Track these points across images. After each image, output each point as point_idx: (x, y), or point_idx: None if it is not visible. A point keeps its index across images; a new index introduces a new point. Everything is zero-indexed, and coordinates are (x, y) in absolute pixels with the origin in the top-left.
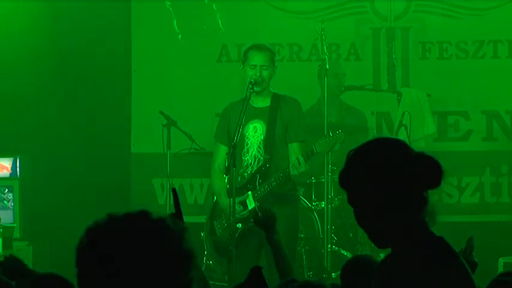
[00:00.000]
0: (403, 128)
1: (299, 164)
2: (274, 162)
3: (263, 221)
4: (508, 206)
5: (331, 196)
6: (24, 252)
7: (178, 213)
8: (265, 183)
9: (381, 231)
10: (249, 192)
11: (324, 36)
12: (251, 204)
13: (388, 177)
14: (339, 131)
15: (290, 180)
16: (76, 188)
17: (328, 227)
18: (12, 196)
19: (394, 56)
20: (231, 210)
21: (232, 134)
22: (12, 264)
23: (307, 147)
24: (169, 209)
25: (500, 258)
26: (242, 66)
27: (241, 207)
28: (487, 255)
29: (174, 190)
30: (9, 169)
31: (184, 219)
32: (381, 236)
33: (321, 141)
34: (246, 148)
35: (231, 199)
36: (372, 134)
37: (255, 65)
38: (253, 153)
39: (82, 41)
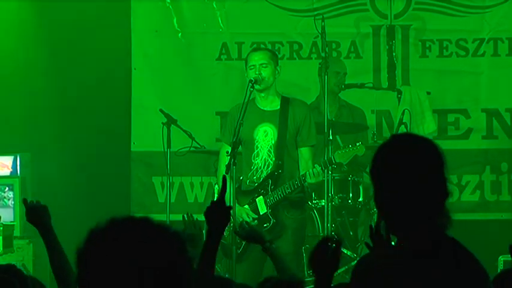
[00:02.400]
0: (403, 126)
1: (318, 174)
2: (286, 167)
3: (247, 236)
4: (508, 204)
5: (332, 194)
6: (25, 251)
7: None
8: (278, 189)
9: (395, 216)
10: (260, 197)
11: (324, 34)
12: (263, 210)
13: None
14: (359, 142)
15: (303, 186)
16: (76, 186)
17: (329, 225)
18: (13, 194)
19: (394, 54)
20: (232, 209)
21: (241, 136)
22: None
23: (317, 153)
24: (169, 207)
25: (500, 257)
26: (246, 73)
27: (253, 213)
28: (487, 254)
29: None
30: (10, 167)
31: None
32: (393, 221)
33: (340, 152)
34: (256, 151)
35: (233, 196)
36: (372, 133)
37: (254, 65)
38: (264, 157)
39: (82, 39)
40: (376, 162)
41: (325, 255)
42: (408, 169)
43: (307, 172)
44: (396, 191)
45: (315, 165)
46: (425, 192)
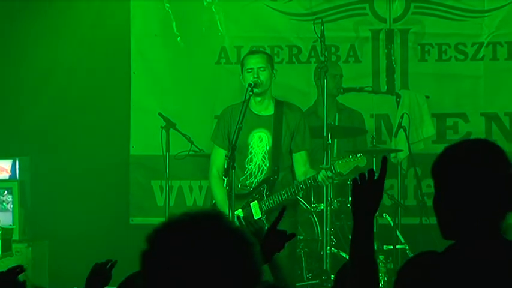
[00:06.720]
0: (402, 130)
1: (330, 177)
2: (281, 173)
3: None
4: None
5: (331, 198)
6: (24, 254)
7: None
8: (274, 195)
9: (454, 223)
10: (255, 202)
11: (323, 38)
12: (257, 215)
13: (484, 182)
14: (360, 154)
15: (299, 192)
16: (75, 190)
17: (328, 229)
18: (12, 198)
19: (393, 58)
20: (231, 211)
21: (234, 140)
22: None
23: (315, 157)
24: (168, 211)
25: None
26: (241, 75)
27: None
28: None
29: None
30: (9, 171)
31: None
32: (451, 227)
33: (340, 162)
34: (249, 157)
35: (232, 201)
36: (371, 136)
37: (252, 68)
38: (257, 163)
39: (81, 43)
40: (444, 165)
41: (365, 187)
42: (480, 175)
43: (319, 175)
44: (465, 196)
45: (322, 171)
46: (495, 200)
